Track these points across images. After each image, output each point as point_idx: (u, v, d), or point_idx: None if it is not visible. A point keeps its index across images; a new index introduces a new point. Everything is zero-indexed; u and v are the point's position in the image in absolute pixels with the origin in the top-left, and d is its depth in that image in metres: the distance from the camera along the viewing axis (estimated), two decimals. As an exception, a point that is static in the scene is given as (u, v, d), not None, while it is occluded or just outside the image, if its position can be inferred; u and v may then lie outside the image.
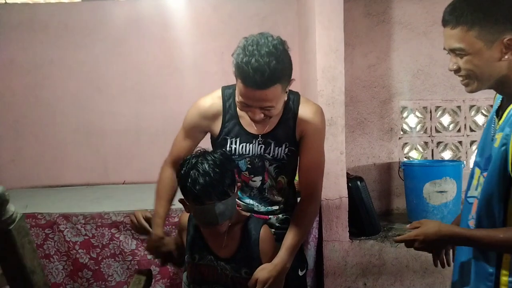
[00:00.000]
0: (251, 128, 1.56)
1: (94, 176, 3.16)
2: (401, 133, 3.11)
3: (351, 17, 2.91)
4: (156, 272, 2.29)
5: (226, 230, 1.47)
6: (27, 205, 2.49)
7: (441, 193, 2.63)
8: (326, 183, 2.42)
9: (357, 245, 2.51)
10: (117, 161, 3.17)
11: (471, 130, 3.12)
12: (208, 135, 1.66)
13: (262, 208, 1.62)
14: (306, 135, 1.55)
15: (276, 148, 1.56)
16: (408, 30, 3.01)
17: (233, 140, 1.57)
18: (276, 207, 1.64)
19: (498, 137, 1.16)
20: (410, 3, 2.99)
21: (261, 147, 1.56)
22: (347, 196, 2.46)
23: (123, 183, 3.15)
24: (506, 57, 1.14)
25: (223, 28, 3.04)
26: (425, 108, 3.10)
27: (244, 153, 1.57)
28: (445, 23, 1.19)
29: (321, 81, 2.39)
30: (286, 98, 1.54)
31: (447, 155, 3.15)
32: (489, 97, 3.08)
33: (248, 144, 1.56)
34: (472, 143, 3.11)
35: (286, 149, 1.56)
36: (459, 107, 3.10)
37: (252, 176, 1.59)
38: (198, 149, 1.51)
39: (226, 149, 1.57)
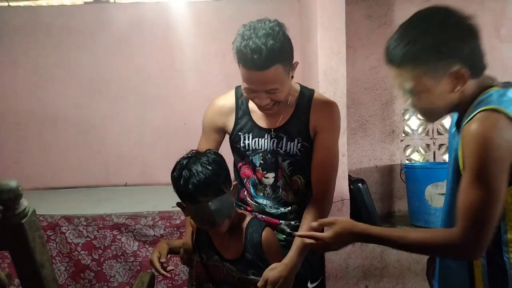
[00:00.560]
0: (263, 123, 1.56)
1: (95, 178, 3.16)
2: (403, 135, 3.11)
3: (352, 20, 2.91)
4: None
5: (229, 231, 1.47)
6: (30, 205, 2.50)
7: (443, 195, 2.61)
8: (328, 185, 2.43)
9: (358, 248, 2.50)
10: (119, 163, 3.18)
11: (473, 132, 3.12)
12: (227, 138, 1.67)
13: (274, 210, 1.60)
14: (320, 130, 1.53)
15: (288, 142, 1.54)
16: (409, 32, 3.01)
17: (246, 135, 1.58)
18: (289, 208, 1.59)
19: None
20: (412, 5, 3.00)
21: (274, 141, 1.55)
22: (349, 198, 2.46)
23: (124, 185, 3.16)
24: (457, 88, 1.11)
25: (225, 30, 3.04)
26: (426, 110, 3.09)
27: (257, 148, 1.57)
28: (388, 62, 1.16)
29: (323, 83, 2.39)
30: (298, 91, 1.56)
31: (448, 157, 3.15)
32: (490, 100, 3.08)
33: (260, 139, 1.56)
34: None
35: (299, 144, 1.54)
36: (460, 109, 3.10)
37: (265, 172, 1.58)
38: (189, 151, 1.51)
39: (240, 145, 1.58)
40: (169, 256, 1.66)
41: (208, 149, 1.50)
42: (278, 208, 1.60)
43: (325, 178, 1.53)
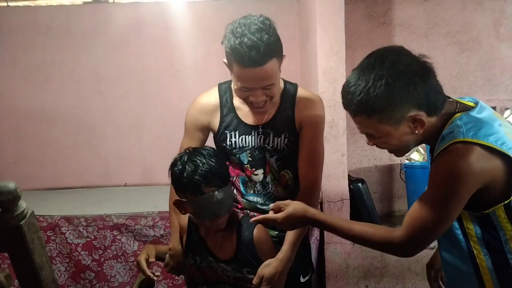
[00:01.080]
0: (249, 119, 1.55)
1: (95, 178, 3.16)
2: (403, 135, 3.11)
3: (352, 19, 2.91)
4: (159, 273, 2.29)
5: (221, 231, 1.47)
6: (28, 207, 2.50)
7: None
8: (327, 185, 2.43)
9: (358, 248, 2.50)
10: (119, 163, 3.17)
11: (473, 131, 3.12)
12: (211, 138, 1.66)
13: (265, 206, 1.59)
14: (305, 125, 1.53)
15: (276, 138, 1.55)
16: (409, 32, 3.02)
17: (232, 133, 1.56)
18: None
19: None
20: (411, 5, 3.00)
21: (261, 137, 1.55)
22: (348, 198, 2.46)
23: (124, 185, 3.16)
24: (416, 131, 1.13)
25: (224, 30, 3.04)
26: (426, 109, 3.09)
27: (244, 145, 1.56)
28: (344, 108, 1.18)
29: (322, 83, 2.39)
30: (282, 86, 1.55)
31: (448, 157, 3.15)
32: (490, 99, 3.09)
33: (247, 136, 1.55)
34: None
35: (286, 140, 1.55)
36: (460, 108, 3.09)
37: (254, 169, 1.58)
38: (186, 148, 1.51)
39: (226, 144, 1.56)
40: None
41: (203, 146, 1.51)
42: (269, 204, 1.60)
43: (312, 172, 1.54)
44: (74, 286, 2.37)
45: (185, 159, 1.40)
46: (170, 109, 3.08)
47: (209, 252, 1.50)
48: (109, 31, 3.07)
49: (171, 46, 3.09)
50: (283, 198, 1.59)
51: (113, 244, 2.34)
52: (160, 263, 1.69)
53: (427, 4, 2.99)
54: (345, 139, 2.43)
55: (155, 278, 1.51)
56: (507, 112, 3.16)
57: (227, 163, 1.61)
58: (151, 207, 2.43)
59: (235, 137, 1.56)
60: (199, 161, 1.37)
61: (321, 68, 2.38)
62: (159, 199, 2.56)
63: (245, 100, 1.46)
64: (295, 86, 1.59)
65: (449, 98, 1.20)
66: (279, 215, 1.28)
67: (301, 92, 1.57)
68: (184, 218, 1.57)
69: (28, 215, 0.90)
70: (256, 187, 1.60)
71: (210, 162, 1.37)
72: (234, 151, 1.56)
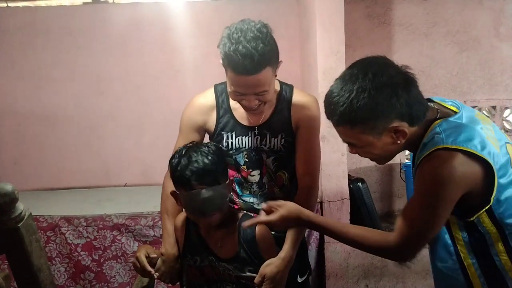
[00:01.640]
0: (245, 121, 1.56)
1: (95, 179, 3.16)
2: (403, 134, 3.11)
3: (352, 19, 2.91)
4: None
5: (221, 230, 1.47)
6: (28, 207, 2.50)
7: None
8: (327, 184, 2.43)
9: (359, 247, 2.50)
10: (119, 164, 3.17)
11: (473, 131, 3.12)
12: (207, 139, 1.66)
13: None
14: (302, 125, 1.55)
15: (272, 139, 1.55)
16: (408, 31, 3.01)
17: (229, 134, 1.57)
18: None
19: None
20: (411, 4, 3.00)
21: (257, 138, 1.55)
22: (348, 197, 2.46)
23: (124, 186, 3.16)
24: (398, 141, 1.14)
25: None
26: (426, 109, 3.09)
27: (240, 146, 1.57)
28: (327, 118, 1.19)
29: (322, 83, 2.39)
30: (278, 87, 1.56)
31: (448, 156, 3.15)
32: (490, 98, 3.09)
33: (244, 137, 1.56)
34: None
35: (283, 140, 1.55)
36: (460, 108, 3.09)
37: (251, 170, 1.58)
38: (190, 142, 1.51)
39: (223, 145, 1.56)
40: None
41: (209, 142, 1.50)
42: None
43: (310, 171, 1.56)
44: (74, 286, 2.37)
45: (183, 153, 1.40)
46: (170, 109, 3.08)
47: (209, 252, 1.50)
48: (109, 31, 3.07)
49: (171, 46, 3.09)
50: (280, 199, 1.60)
51: (113, 244, 2.34)
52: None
53: (427, 3, 2.99)
54: (345, 139, 2.43)
55: (156, 274, 1.50)
56: (507, 112, 3.15)
57: None
58: (151, 207, 2.43)
59: (231, 138, 1.57)
60: (194, 157, 1.37)
61: (321, 68, 2.38)
62: (159, 199, 2.53)
63: (239, 102, 1.46)
64: (290, 87, 1.60)
65: (431, 101, 1.23)
66: (273, 217, 1.28)
67: (296, 93, 1.58)
68: (179, 219, 1.55)
69: (26, 217, 0.90)
70: (253, 188, 1.61)
71: (205, 159, 1.36)
72: (231, 152, 1.57)
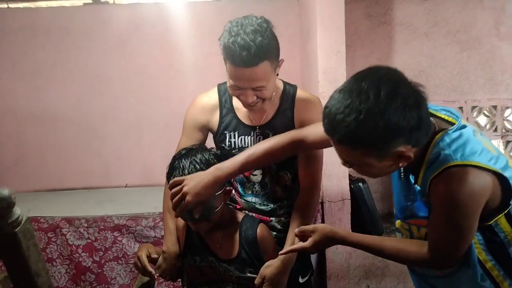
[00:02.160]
0: (248, 120, 1.56)
1: (96, 179, 3.16)
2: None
3: (352, 19, 2.91)
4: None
5: (222, 230, 1.47)
6: (29, 209, 2.50)
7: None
8: (328, 185, 2.43)
9: (360, 247, 2.50)
10: (119, 164, 3.17)
11: (474, 131, 3.11)
12: (210, 139, 1.66)
13: (264, 206, 1.61)
14: (305, 125, 1.53)
15: None
16: (409, 31, 3.01)
17: (232, 134, 1.57)
18: (278, 204, 1.61)
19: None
20: (411, 4, 2.99)
21: (260, 138, 1.55)
22: (349, 198, 2.46)
23: (125, 186, 3.16)
24: (400, 164, 1.11)
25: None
26: (427, 109, 3.09)
27: (243, 146, 1.56)
28: (326, 132, 1.12)
29: (323, 82, 2.38)
30: (282, 87, 1.56)
31: (449, 156, 3.14)
32: (491, 98, 3.08)
33: (246, 137, 1.56)
34: (474, 144, 3.10)
35: None
36: (461, 108, 3.09)
37: (253, 169, 1.58)
38: (196, 144, 1.52)
39: (225, 144, 1.57)
40: None
41: (211, 148, 1.50)
42: (267, 205, 1.61)
43: (312, 172, 1.56)
44: (75, 288, 2.37)
45: (178, 157, 1.42)
46: (170, 110, 3.08)
47: (209, 252, 1.50)
48: (109, 32, 3.07)
49: (171, 46, 3.09)
50: (282, 199, 1.61)
51: (113, 245, 2.34)
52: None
53: (427, 3, 2.99)
54: (346, 139, 2.42)
55: (156, 274, 1.50)
56: (508, 111, 3.15)
57: None
58: (152, 208, 2.43)
59: (234, 138, 1.57)
60: (184, 164, 1.38)
61: (322, 68, 2.38)
62: (159, 200, 2.52)
63: (238, 98, 1.46)
64: (294, 87, 1.59)
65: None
66: (308, 244, 1.28)
67: (300, 93, 1.57)
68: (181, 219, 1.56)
69: (23, 222, 0.89)
70: (255, 188, 1.60)
71: (192, 168, 1.37)
72: (233, 151, 1.56)
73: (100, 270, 2.35)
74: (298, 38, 3.03)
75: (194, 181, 1.32)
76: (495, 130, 3.13)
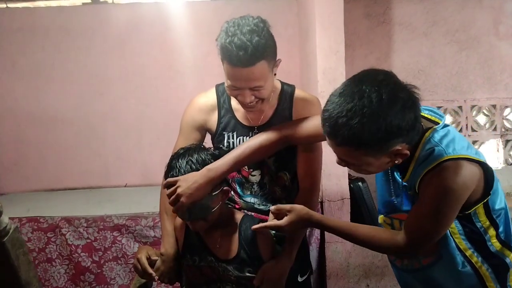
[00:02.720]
0: (246, 121, 1.56)
1: (95, 179, 3.16)
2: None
3: (351, 18, 2.91)
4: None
5: (221, 230, 1.47)
6: (29, 208, 2.50)
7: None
8: (328, 184, 2.43)
9: (359, 247, 2.48)
10: (119, 164, 3.17)
11: (473, 130, 3.12)
12: (208, 139, 1.65)
13: (263, 207, 1.60)
14: None
15: None
16: (408, 30, 3.01)
17: (230, 134, 1.57)
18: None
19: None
20: (410, 3, 3.00)
21: None
22: (349, 197, 2.46)
23: (125, 186, 3.16)
24: (396, 161, 1.17)
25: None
26: (426, 108, 3.09)
27: None
28: (325, 134, 1.16)
29: (322, 82, 2.38)
30: (280, 87, 1.56)
31: (448, 155, 3.14)
32: (490, 97, 3.09)
33: (245, 137, 1.55)
34: (473, 143, 3.11)
35: None
36: (460, 107, 3.09)
37: (251, 170, 1.58)
38: (194, 143, 1.52)
39: (224, 145, 1.56)
40: None
41: (210, 148, 1.50)
42: (266, 205, 1.60)
43: (311, 173, 1.56)
44: (74, 288, 2.37)
45: (175, 157, 1.43)
46: (170, 110, 3.08)
47: (208, 252, 1.50)
48: (109, 32, 3.06)
49: (171, 46, 3.09)
50: (281, 199, 1.60)
51: (113, 245, 2.34)
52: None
53: (426, 2, 2.99)
54: (345, 138, 2.43)
55: (156, 277, 1.50)
56: (507, 110, 3.15)
57: None
58: (152, 208, 2.43)
59: (232, 138, 1.56)
60: (181, 164, 1.39)
61: (321, 68, 2.38)
62: (159, 200, 2.55)
63: (235, 98, 1.46)
64: (292, 87, 1.59)
65: None
66: (282, 222, 1.31)
67: (298, 93, 1.57)
68: (179, 219, 1.55)
69: (11, 231, 0.86)
70: (253, 188, 1.60)
71: (188, 168, 1.38)
72: None
73: (99, 270, 2.35)
74: (297, 38, 3.03)
75: (188, 182, 1.33)
76: (495, 129, 3.14)
